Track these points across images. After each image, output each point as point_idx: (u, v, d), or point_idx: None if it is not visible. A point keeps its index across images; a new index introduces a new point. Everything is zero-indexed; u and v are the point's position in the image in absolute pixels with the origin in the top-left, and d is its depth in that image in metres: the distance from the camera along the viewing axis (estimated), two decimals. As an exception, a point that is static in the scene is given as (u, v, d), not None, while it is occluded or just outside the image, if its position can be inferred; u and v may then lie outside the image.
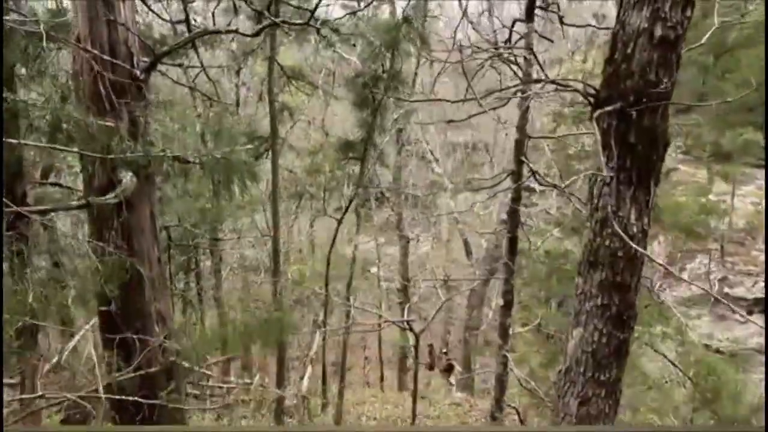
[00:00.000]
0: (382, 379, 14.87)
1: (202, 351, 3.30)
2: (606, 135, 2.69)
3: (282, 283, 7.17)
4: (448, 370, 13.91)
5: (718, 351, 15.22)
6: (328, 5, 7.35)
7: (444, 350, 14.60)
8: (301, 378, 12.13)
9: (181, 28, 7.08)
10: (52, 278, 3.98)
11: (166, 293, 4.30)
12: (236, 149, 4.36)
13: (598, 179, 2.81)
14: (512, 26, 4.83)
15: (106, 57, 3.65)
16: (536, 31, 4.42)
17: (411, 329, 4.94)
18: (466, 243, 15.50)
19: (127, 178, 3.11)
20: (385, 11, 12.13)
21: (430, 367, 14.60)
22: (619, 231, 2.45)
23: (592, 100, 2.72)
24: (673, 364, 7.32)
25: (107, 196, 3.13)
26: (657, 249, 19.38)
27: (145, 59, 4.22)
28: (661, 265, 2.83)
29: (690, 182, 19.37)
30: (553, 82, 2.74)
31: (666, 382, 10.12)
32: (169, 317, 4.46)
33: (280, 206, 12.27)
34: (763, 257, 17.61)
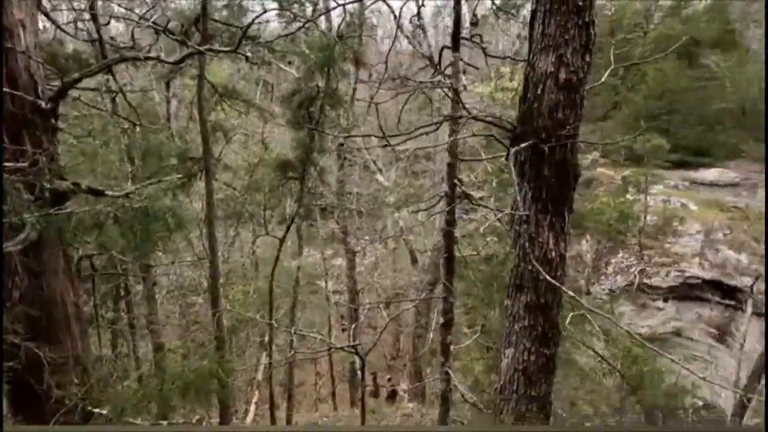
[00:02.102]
0: (334, 395, 14.67)
1: (128, 412, 3.02)
2: (522, 168, 2.89)
3: (222, 308, 6.83)
4: (392, 396, 14.22)
5: (640, 338, 16.78)
6: (260, 23, 7.19)
7: (388, 377, 14.87)
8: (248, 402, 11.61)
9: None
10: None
11: (85, 340, 3.94)
12: (164, 179, 4.11)
13: (520, 207, 3.00)
14: (440, 53, 5.03)
15: (5, 89, 3.29)
16: (462, 60, 4.64)
17: (357, 353, 4.95)
18: (411, 252, 15.80)
19: (29, 224, 2.81)
20: (321, 25, 12.09)
21: (375, 394, 14.76)
22: (534, 263, 2.62)
23: (509, 135, 2.91)
24: (602, 357, 7.93)
25: (7, 245, 2.81)
26: (585, 246, 20.99)
27: (54, 85, 3.88)
28: (576, 299, 2.98)
29: (610, 184, 21.25)
30: (474, 118, 2.89)
31: (598, 373, 10.98)
32: (90, 364, 4.08)
33: (217, 226, 11.72)
34: (674, 249, 19.72)
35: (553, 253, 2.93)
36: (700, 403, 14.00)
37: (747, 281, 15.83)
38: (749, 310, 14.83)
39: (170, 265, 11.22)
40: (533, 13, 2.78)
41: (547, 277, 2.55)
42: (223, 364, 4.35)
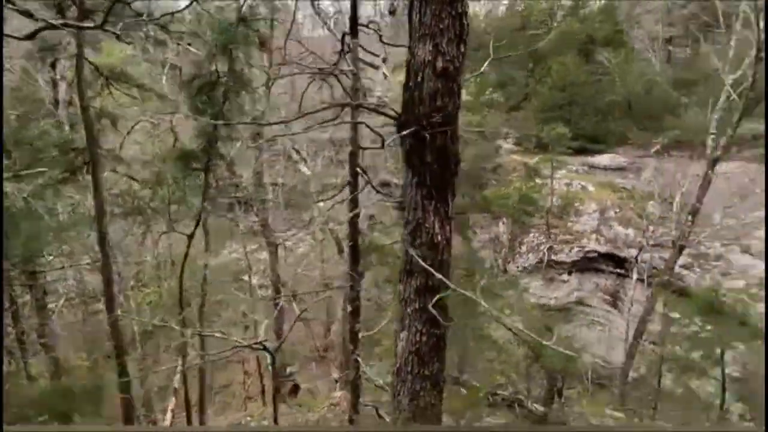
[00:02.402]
0: (263, 392, 14.32)
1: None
2: (409, 155, 2.95)
3: (118, 314, 6.24)
4: (294, 391, 14.28)
5: (549, 309, 18.58)
6: (149, 0, 6.52)
7: (288, 372, 14.86)
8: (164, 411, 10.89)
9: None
10: None
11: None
12: (23, 173, 3.61)
13: (408, 193, 3.07)
14: (342, 39, 4.96)
15: None
16: (361, 46, 4.62)
17: (266, 349, 4.81)
18: (337, 241, 15.74)
19: None
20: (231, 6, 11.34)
21: (277, 390, 14.66)
22: (412, 250, 2.70)
23: (395, 123, 2.94)
24: (510, 329, 8.57)
25: None
26: (502, 228, 22.53)
27: None
28: (444, 281, 3.15)
29: (522, 169, 22.92)
30: (359, 106, 2.88)
31: (513, 344, 11.91)
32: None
33: (120, 224, 10.65)
34: (575, 227, 21.92)
35: (439, 237, 3.04)
36: (600, 361, 15.87)
37: (633, 252, 18.11)
38: (634, 277, 17.00)
39: (61, 270, 10.04)
40: (411, 1, 2.81)
41: (423, 264, 2.64)
42: (120, 378, 3.97)
